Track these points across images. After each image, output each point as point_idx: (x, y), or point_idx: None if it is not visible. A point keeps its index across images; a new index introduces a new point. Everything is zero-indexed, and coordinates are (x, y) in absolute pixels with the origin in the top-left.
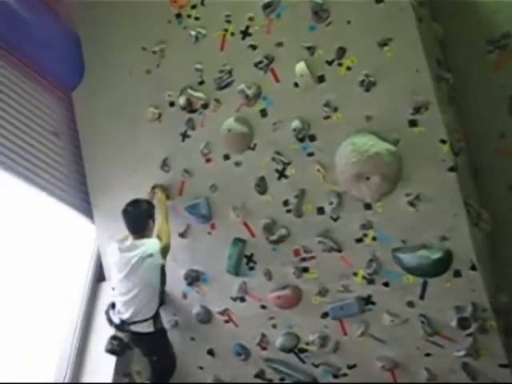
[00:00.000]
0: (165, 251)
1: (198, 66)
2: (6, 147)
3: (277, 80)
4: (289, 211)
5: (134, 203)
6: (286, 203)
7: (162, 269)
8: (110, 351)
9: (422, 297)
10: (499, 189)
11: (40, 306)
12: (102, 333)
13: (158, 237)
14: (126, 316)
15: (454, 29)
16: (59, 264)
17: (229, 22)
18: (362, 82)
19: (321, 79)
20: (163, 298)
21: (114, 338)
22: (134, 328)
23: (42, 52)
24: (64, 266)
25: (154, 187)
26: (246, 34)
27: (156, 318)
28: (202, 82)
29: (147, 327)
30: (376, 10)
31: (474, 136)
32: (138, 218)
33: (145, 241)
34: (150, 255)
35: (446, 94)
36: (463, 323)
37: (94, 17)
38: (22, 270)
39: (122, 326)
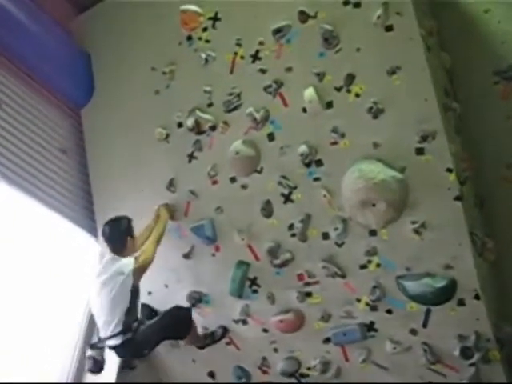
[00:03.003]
0: (139, 272)
1: (207, 88)
2: (12, 162)
3: (285, 104)
4: (293, 235)
5: (111, 222)
6: (291, 227)
7: (133, 289)
8: (90, 371)
9: (425, 325)
10: (505, 218)
11: (43, 321)
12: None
13: (136, 256)
14: (100, 331)
15: (461, 59)
16: (63, 280)
17: (239, 45)
18: (370, 109)
19: (329, 105)
20: (135, 314)
21: (88, 357)
22: (106, 343)
23: (52, 69)
24: (68, 282)
25: (161, 206)
26: (255, 57)
27: (125, 331)
28: (210, 104)
29: (115, 340)
30: (385, 38)
31: (480, 165)
32: (115, 238)
33: (121, 260)
34: (121, 273)
35: (453, 123)
36: (466, 352)
37: (105, 36)
38: (26, 285)
39: (96, 343)
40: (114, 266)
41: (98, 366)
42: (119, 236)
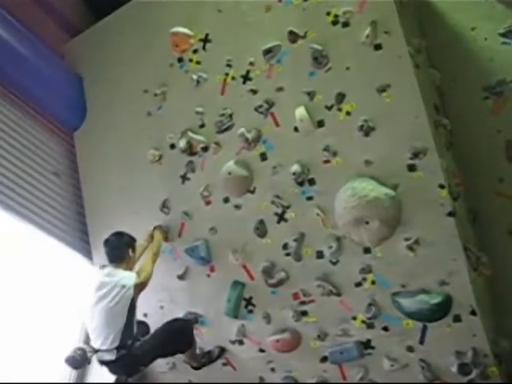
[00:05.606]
0: (139, 288)
1: (199, 109)
2: (6, 186)
3: (277, 124)
4: (288, 254)
5: (116, 234)
6: (285, 246)
7: (132, 303)
8: (69, 359)
9: (421, 341)
10: (498, 233)
11: (37, 344)
12: None
13: (138, 273)
14: (93, 343)
15: (450, 75)
16: (57, 303)
17: (230, 66)
18: (361, 126)
19: (320, 124)
20: (131, 330)
21: (78, 348)
22: (99, 355)
23: (45, 93)
24: (62, 305)
25: (154, 228)
26: (246, 78)
27: (121, 348)
28: (202, 125)
29: (109, 356)
30: (374, 57)
31: (473, 180)
32: (117, 247)
33: (123, 272)
34: (123, 286)
35: (444, 139)
36: (464, 369)
37: (96, 59)
38: (20, 308)
39: (93, 348)
40: (114, 278)
41: (80, 361)
42: (121, 246)
